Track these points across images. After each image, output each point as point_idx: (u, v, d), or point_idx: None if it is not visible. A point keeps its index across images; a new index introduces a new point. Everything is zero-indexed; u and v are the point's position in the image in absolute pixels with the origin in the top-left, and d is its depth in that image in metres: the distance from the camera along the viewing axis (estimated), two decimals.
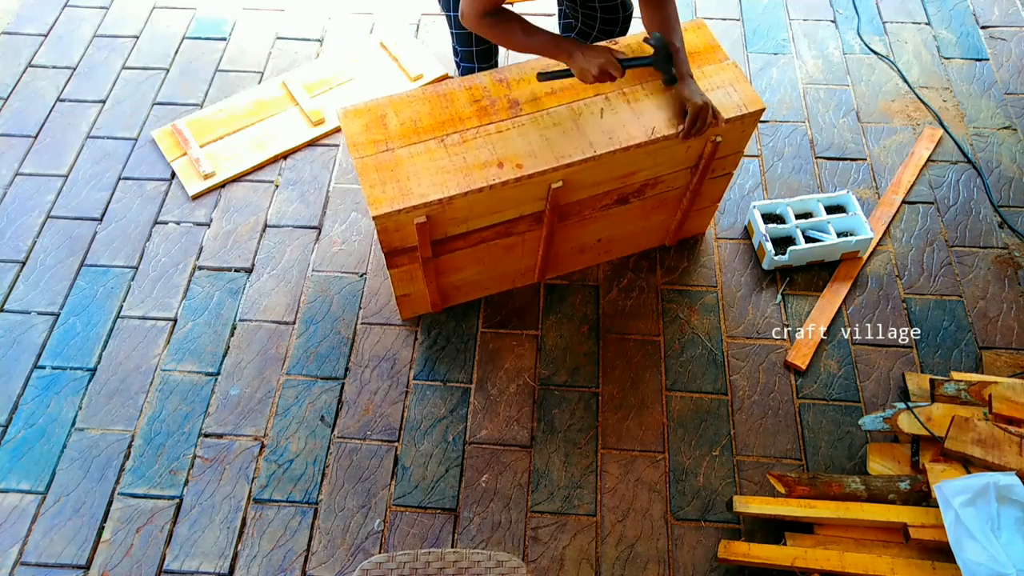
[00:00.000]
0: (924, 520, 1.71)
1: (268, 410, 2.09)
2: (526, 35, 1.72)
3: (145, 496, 1.95)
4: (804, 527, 1.82)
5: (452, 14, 2.09)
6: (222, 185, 2.53)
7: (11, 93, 2.77)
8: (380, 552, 1.88)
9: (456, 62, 2.32)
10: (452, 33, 2.19)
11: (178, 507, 1.93)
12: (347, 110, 1.87)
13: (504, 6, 1.72)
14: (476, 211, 1.84)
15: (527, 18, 1.78)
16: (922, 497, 1.76)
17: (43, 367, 2.15)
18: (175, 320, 2.24)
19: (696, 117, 1.78)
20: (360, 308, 2.27)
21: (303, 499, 1.95)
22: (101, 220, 2.45)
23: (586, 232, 2.13)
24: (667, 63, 1.78)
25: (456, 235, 1.91)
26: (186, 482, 1.97)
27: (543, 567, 1.86)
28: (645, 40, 1.77)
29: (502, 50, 2.52)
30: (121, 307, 2.27)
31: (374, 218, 1.72)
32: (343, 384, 2.13)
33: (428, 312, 2.23)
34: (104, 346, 2.19)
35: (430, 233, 1.84)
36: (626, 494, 1.96)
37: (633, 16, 2.27)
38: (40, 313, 2.25)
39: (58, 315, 2.25)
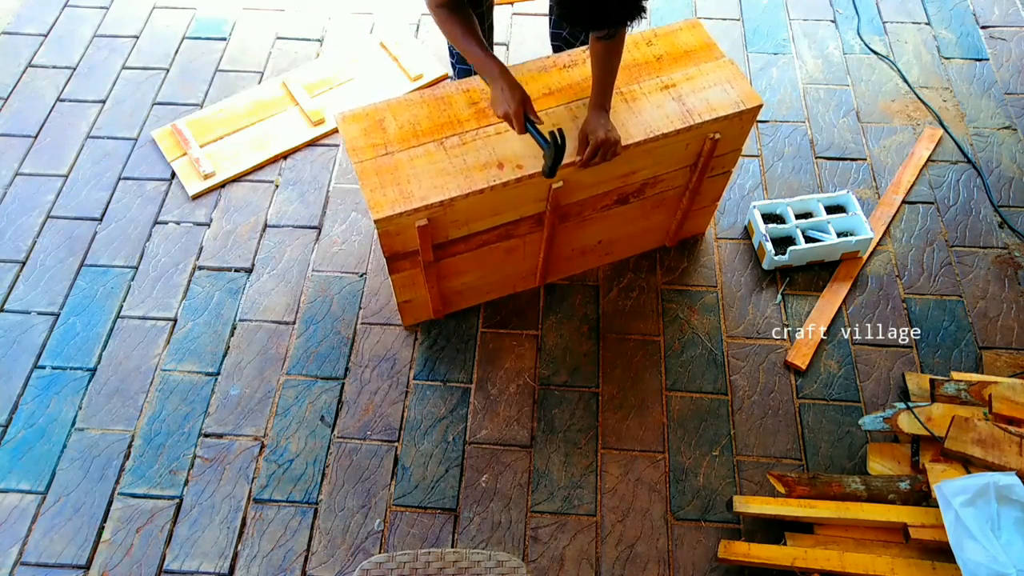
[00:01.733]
0: (924, 520, 1.71)
1: (268, 410, 2.09)
2: (464, 39, 1.71)
3: (145, 496, 1.95)
4: (804, 527, 1.82)
5: None
6: (222, 185, 2.53)
7: (11, 93, 2.77)
8: (380, 552, 1.88)
9: (451, 63, 2.32)
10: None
11: (178, 507, 1.93)
12: (345, 115, 1.87)
13: (462, 4, 1.70)
14: (477, 213, 1.84)
15: (524, 17, 1.77)
16: (922, 497, 1.76)
17: (43, 367, 2.15)
18: (175, 320, 2.24)
19: (596, 150, 1.72)
20: (360, 308, 2.27)
21: (303, 499, 1.95)
22: (101, 220, 2.45)
23: (587, 233, 2.13)
24: (555, 160, 1.66)
25: (457, 238, 1.91)
26: (186, 482, 1.97)
27: (543, 567, 1.86)
28: (551, 130, 1.65)
29: (499, 53, 2.53)
30: (121, 307, 2.27)
31: (376, 222, 1.72)
32: (343, 384, 2.13)
33: (430, 318, 2.23)
34: (104, 346, 2.19)
35: (431, 236, 1.83)
36: (626, 494, 1.96)
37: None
38: (40, 313, 2.25)
39: (58, 315, 2.25)
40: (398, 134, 1.84)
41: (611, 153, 1.75)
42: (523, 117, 1.67)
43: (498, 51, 2.42)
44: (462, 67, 2.27)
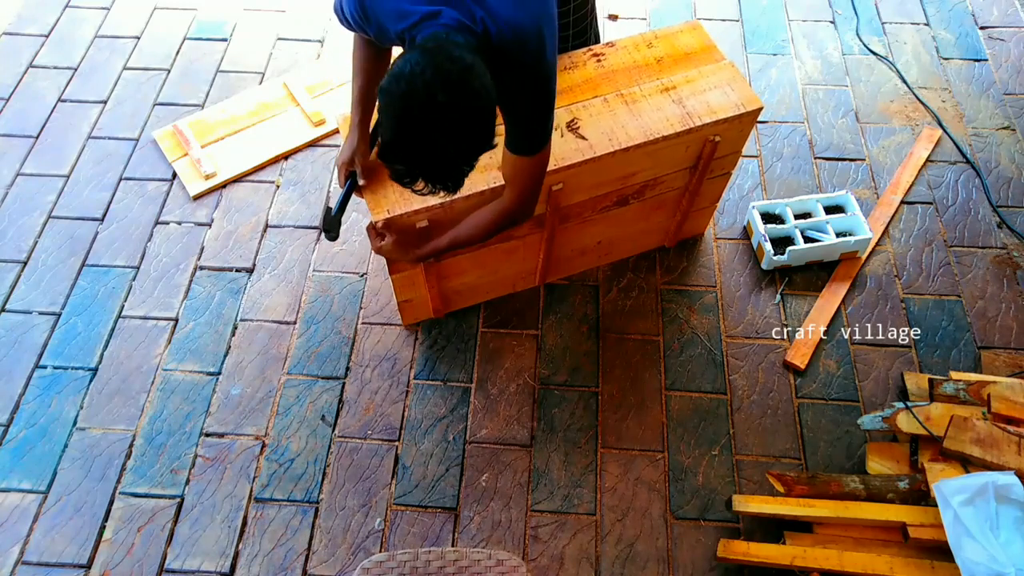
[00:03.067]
0: (923, 519, 1.71)
1: (269, 409, 2.09)
2: (354, 73, 1.69)
3: (146, 495, 1.95)
4: (803, 526, 1.82)
5: None
6: (223, 185, 2.54)
7: (12, 93, 2.78)
8: (381, 551, 1.88)
9: None
10: None
11: (179, 506, 1.94)
12: (347, 116, 1.87)
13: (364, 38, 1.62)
14: None
15: None
16: (921, 496, 1.77)
17: (44, 367, 2.16)
18: (176, 320, 2.25)
19: (377, 249, 1.75)
20: (361, 308, 2.28)
21: (304, 498, 1.95)
22: (102, 220, 2.46)
23: (586, 234, 2.14)
24: (325, 222, 1.70)
25: None
26: (187, 481, 1.98)
27: (543, 566, 1.87)
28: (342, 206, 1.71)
29: None
30: (122, 307, 2.27)
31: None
32: (344, 384, 2.14)
33: (430, 318, 2.24)
34: (105, 346, 2.20)
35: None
36: (626, 493, 1.97)
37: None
38: (41, 313, 2.26)
39: (59, 315, 2.25)
40: None
41: (380, 251, 1.75)
42: (344, 174, 1.72)
43: None
44: None
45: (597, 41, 2.09)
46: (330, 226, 1.71)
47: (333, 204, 1.71)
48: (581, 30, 2.03)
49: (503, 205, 1.67)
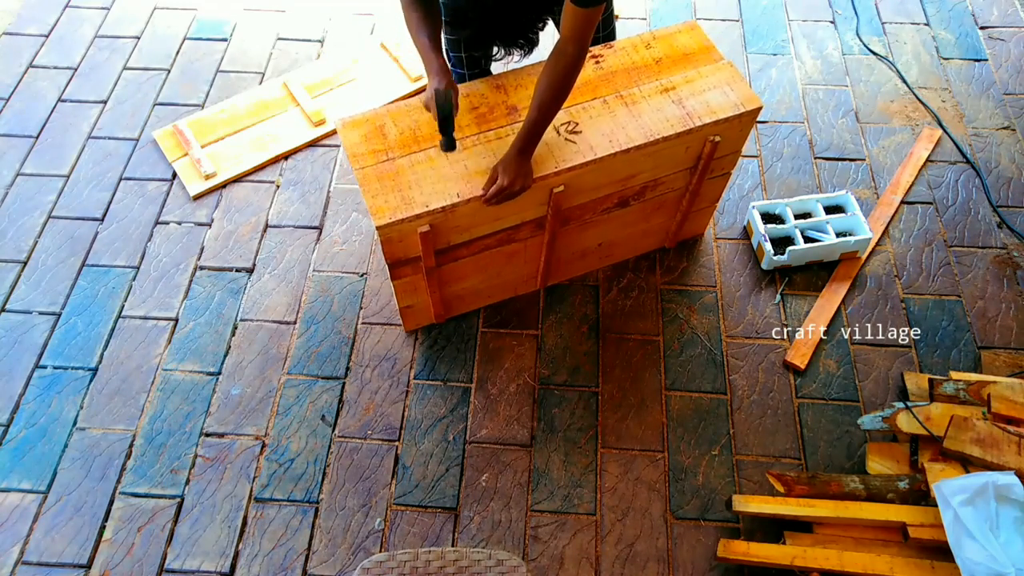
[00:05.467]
0: (923, 519, 1.71)
1: (269, 410, 2.09)
2: (416, 30, 1.70)
3: (146, 495, 1.95)
4: (803, 526, 1.82)
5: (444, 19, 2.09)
6: (223, 185, 2.54)
7: (12, 93, 2.78)
8: (381, 551, 1.88)
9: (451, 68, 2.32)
10: (444, 39, 2.18)
11: (179, 506, 1.94)
12: (345, 121, 1.87)
13: None
14: (478, 218, 1.85)
15: None
16: (921, 496, 1.77)
17: (44, 367, 2.16)
18: (176, 320, 2.25)
19: (497, 192, 1.72)
20: (361, 308, 2.28)
21: (304, 498, 1.95)
22: (102, 220, 2.46)
23: (587, 236, 2.14)
24: (445, 127, 1.65)
25: (459, 243, 1.91)
26: (187, 481, 1.98)
27: (543, 566, 1.87)
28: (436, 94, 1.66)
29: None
30: (122, 307, 2.27)
31: (378, 228, 1.72)
32: (344, 384, 2.14)
33: (431, 323, 2.24)
34: (105, 346, 2.20)
35: (433, 242, 1.84)
36: (626, 493, 1.97)
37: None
38: (41, 313, 2.26)
39: (59, 315, 2.26)
40: (399, 139, 1.84)
41: (505, 197, 1.74)
42: (436, 103, 1.65)
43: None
44: (458, 71, 2.27)
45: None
46: (450, 140, 1.68)
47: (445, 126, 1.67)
48: (604, 21, 2.05)
49: (569, 59, 1.63)
